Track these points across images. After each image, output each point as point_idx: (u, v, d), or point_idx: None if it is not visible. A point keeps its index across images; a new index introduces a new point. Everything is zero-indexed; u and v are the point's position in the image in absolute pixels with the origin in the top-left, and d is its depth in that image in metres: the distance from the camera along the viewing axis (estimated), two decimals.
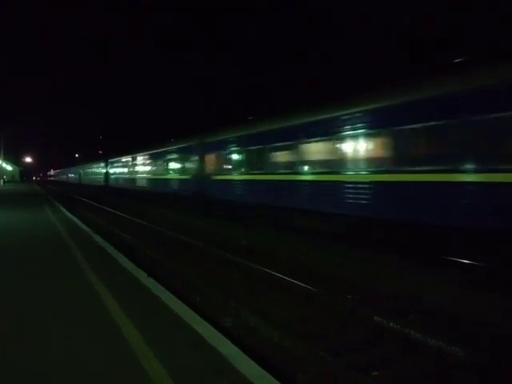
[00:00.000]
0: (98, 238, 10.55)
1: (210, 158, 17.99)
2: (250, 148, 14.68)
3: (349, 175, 10.09)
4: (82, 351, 3.77)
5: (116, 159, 37.87)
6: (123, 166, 35.03)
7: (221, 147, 16.83)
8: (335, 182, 10.44)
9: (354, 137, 9.92)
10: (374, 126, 9.38)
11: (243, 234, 12.65)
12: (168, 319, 4.57)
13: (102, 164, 43.57)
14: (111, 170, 40.04)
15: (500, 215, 6.94)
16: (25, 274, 6.73)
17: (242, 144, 15.17)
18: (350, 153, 10.14)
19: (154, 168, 26.00)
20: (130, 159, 32.42)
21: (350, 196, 9.93)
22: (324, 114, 11.01)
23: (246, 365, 3.48)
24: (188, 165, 20.53)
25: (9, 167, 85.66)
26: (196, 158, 19.30)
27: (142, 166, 29.17)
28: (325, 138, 10.89)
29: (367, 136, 9.59)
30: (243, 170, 15.15)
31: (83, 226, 13.07)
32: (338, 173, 10.41)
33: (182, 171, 21.36)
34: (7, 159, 72.70)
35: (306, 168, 11.85)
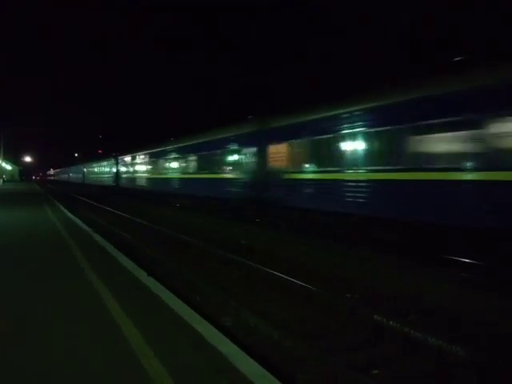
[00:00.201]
0: (98, 238, 10.54)
1: (281, 150, 13.08)
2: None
3: None
4: (81, 350, 3.77)
5: (128, 156, 33.24)
6: (139, 164, 30.17)
7: (306, 131, 11.83)
8: None
9: None
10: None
11: (243, 233, 12.65)
12: (168, 318, 4.56)
13: (111, 161, 38.61)
14: (122, 169, 35.48)
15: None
16: (24, 273, 6.72)
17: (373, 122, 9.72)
18: None
19: (184, 165, 21.49)
20: (148, 155, 27.80)
21: None
22: None
23: (246, 364, 3.47)
24: (240, 160, 15.59)
25: (8, 167, 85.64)
26: (252, 150, 14.59)
27: (166, 163, 24.33)
28: None
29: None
30: (372, 164, 9.77)
31: (84, 226, 13.05)
32: None
33: (228, 168, 16.68)
34: (7, 159, 72.70)
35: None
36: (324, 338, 5.14)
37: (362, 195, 9.82)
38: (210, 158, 18.25)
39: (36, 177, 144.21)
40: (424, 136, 8.44)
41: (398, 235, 9.03)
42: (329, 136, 11.05)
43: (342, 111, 10.62)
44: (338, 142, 10.75)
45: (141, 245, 11.33)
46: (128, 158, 33.56)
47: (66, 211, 18.10)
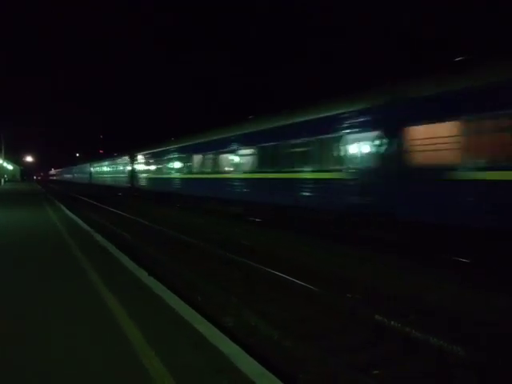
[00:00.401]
0: (99, 237, 10.54)
1: (440, 131, 8.12)
2: None
3: None
4: (82, 350, 3.77)
5: (148, 152, 27.59)
6: (167, 161, 23.72)
7: None
8: None
9: None
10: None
11: (243, 234, 12.65)
12: (169, 318, 4.56)
13: (125, 159, 32.98)
14: (140, 167, 29.41)
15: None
16: (25, 274, 6.72)
17: None
18: None
19: (243, 162, 15.44)
20: (178, 151, 22.14)
21: None
22: None
23: (247, 363, 3.47)
24: (346, 151, 10.52)
25: (9, 166, 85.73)
26: (374, 134, 9.71)
27: (209, 159, 18.40)
28: None
29: None
30: None
31: (85, 226, 13.06)
32: None
33: (322, 163, 11.32)
34: (8, 158, 72.74)
35: None
36: (325, 338, 5.13)
37: None
38: (293, 149, 12.45)
39: (37, 177, 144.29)
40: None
41: (398, 235, 9.02)
42: None
43: None
44: None
45: (142, 245, 11.34)
46: (147, 155, 27.65)
47: (66, 211, 18.11)
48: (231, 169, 16.46)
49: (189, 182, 20.64)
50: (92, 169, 50.58)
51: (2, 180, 58.41)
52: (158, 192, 25.40)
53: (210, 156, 18.40)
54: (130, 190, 31.36)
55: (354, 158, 10.32)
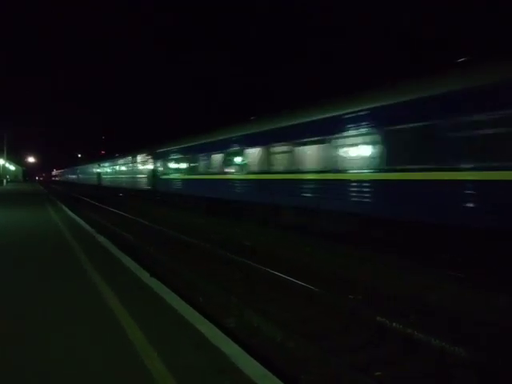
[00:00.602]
0: (101, 238, 10.56)
1: None
2: None
3: None
4: (82, 350, 3.76)
5: (175, 148, 21.83)
6: (207, 159, 17.65)
7: None
8: None
9: None
10: None
11: (243, 234, 12.65)
12: (171, 319, 4.55)
13: (145, 157, 27.59)
14: (165, 166, 23.32)
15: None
16: (26, 274, 6.71)
17: None
18: None
19: (329, 155, 10.49)
20: (225, 143, 15.98)
21: None
22: None
23: (248, 364, 3.46)
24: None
25: (12, 167, 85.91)
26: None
27: (274, 154, 12.86)
28: None
29: None
30: None
31: (87, 227, 13.08)
32: None
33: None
34: (10, 159, 72.89)
35: None
36: (326, 339, 5.12)
37: None
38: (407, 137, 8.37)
39: (39, 177, 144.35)
40: None
41: (398, 235, 9.00)
42: None
43: None
44: None
45: (144, 245, 11.35)
46: (180, 151, 21.25)
47: (68, 211, 18.15)
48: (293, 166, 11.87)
49: (240, 184, 14.82)
50: (101, 169, 44.93)
51: (5, 181, 58.54)
52: (188, 194, 19.78)
53: (259, 152, 13.54)
54: (152, 193, 25.65)
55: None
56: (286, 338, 5.02)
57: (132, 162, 31.50)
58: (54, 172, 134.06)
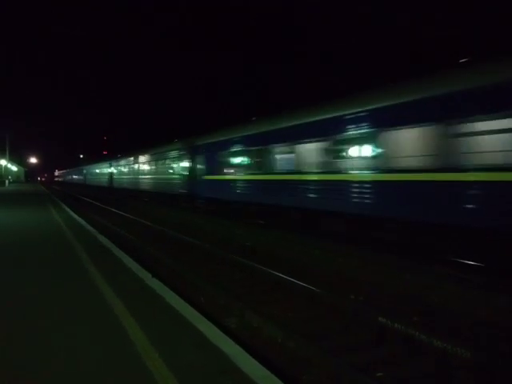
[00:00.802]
0: (102, 238, 10.59)
1: None
2: None
3: None
4: (83, 350, 3.76)
5: (234, 137, 15.20)
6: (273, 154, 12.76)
7: None
8: None
9: None
10: None
11: (243, 234, 12.65)
12: (172, 319, 4.55)
13: (175, 153, 21.66)
14: (206, 164, 17.66)
15: None
16: (27, 274, 6.72)
17: None
18: None
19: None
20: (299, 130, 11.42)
21: None
22: None
23: (249, 365, 3.46)
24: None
25: (14, 168, 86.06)
26: None
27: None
28: None
29: None
30: None
31: (88, 227, 13.11)
32: None
33: None
34: (12, 160, 73.01)
35: None
36: (327, 339, 5.12)
37: None
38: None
39: (41, 178, 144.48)
40: None
41: (398, 235, 9.01)
42: None
43: None
44: None
45: (145, 245, 11.38)
46: (231, 143, 15.44)
47: (70, 212, 18.19)
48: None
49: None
50: (113, 169, 39.04)
51: (7, 181, 58.66)
52: (246, 200, 14.47)
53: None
54: (189, 198, 19.69)
55: None
56: (286, 338, 5.04)
57: (155, 160, 25.48)
58: (57, 172, 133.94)
